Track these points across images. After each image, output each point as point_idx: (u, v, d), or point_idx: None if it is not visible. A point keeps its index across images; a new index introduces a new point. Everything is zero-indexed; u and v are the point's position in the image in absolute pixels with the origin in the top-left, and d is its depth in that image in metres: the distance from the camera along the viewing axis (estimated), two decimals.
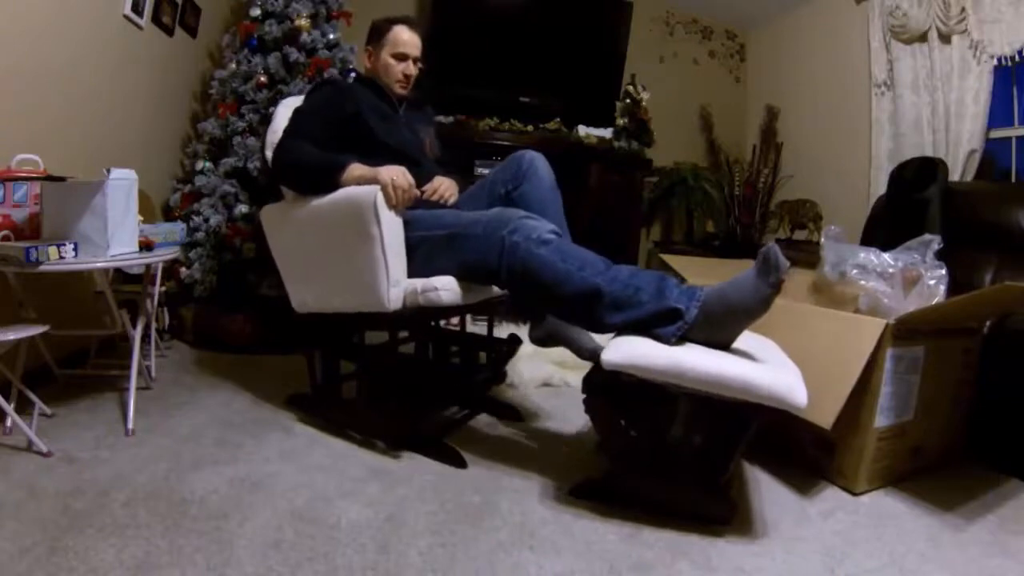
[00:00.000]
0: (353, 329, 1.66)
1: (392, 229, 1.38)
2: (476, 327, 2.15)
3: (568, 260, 1.25)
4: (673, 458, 1.22)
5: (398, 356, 1.73)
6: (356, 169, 1.44)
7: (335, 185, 1.44)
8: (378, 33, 1.74)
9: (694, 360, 1.09)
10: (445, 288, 1.37)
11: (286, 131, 1.58)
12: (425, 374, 1.67)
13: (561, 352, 1.63)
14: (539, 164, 1.58)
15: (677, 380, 1.10)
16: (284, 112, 1.70)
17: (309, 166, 1.50)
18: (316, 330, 1.67)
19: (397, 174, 1.39)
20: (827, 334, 1.42)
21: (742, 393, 1.07)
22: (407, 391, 1.60)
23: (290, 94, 2.38)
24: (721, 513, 1.19)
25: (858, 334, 1.34)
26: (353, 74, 1.93)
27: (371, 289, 1.39)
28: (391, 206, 1.37)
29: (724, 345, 1.18)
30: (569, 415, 1.75)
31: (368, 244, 1.37)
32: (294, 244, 1.62)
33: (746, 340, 1.30)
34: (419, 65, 1.77)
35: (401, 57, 1.72)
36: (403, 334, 1.86)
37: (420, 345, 1.97)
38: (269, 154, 1.62)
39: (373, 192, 1.35)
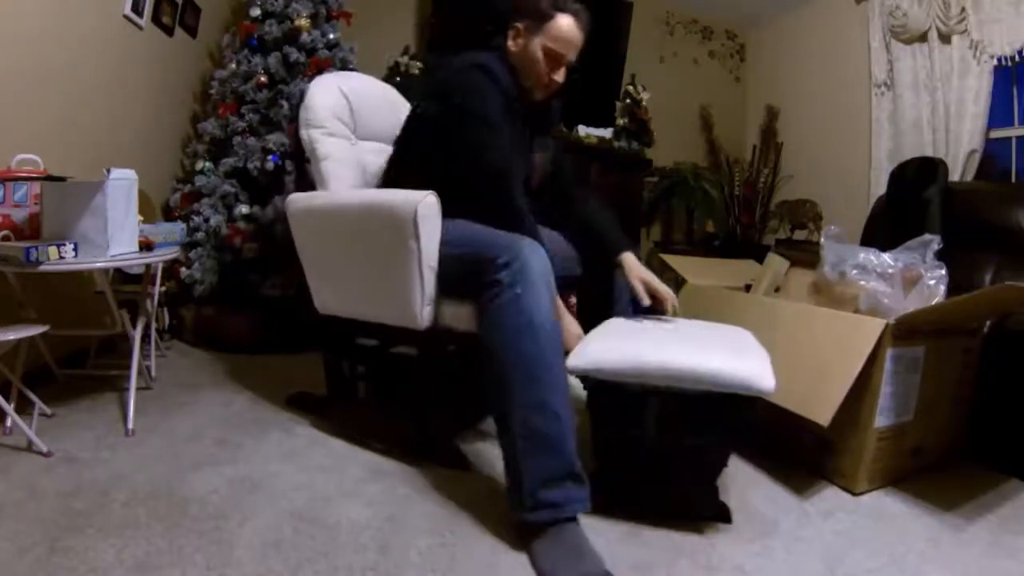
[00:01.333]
0: (368, 334, 1.60)
1: (431, 244, 1.29)
2: None
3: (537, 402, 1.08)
4: (669, 458, 1.22)
5: (402, 357, 1.72)
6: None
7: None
8: (538, 13, 1.39)
9: (657, 356, 1.09)
10: (464, 315, 1.30)
11: (495, 148, 1.30)
12: (428, 375, 1.66)
13: None
14: None
15: (639, 378, 1.10)
16: (322, 86, 1.60)
17: (517, 225, 1.26)
18: (331, 331, 1.62)
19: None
20: (827, 334, 1.42)
21: (710, 384, 1.07)
22: (410, 392, 1.60)
23: (290, 94, 2.38)
24: (716, 512, 1.19)
25: (858, 334, 1.34)
26: (494, 54, 1.45)
27: (404, 304, 1.32)
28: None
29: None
30: None
31: (405, 258, 1.28)
32: (321, 241, 1.53)
33: (718, 331, 1.31)
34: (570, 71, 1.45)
35: (555, 57, 1.39)
36: None
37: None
38: (304, 134, 1.54)
39: (414, 203, 1.25)
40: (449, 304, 1.33)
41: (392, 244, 1.30)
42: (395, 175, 1.50)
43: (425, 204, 1.26)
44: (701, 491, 1.20)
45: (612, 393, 1.16)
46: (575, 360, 1.14)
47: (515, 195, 1.32)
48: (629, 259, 1.46)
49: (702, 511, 1.19)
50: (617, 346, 1.15)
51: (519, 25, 1.41)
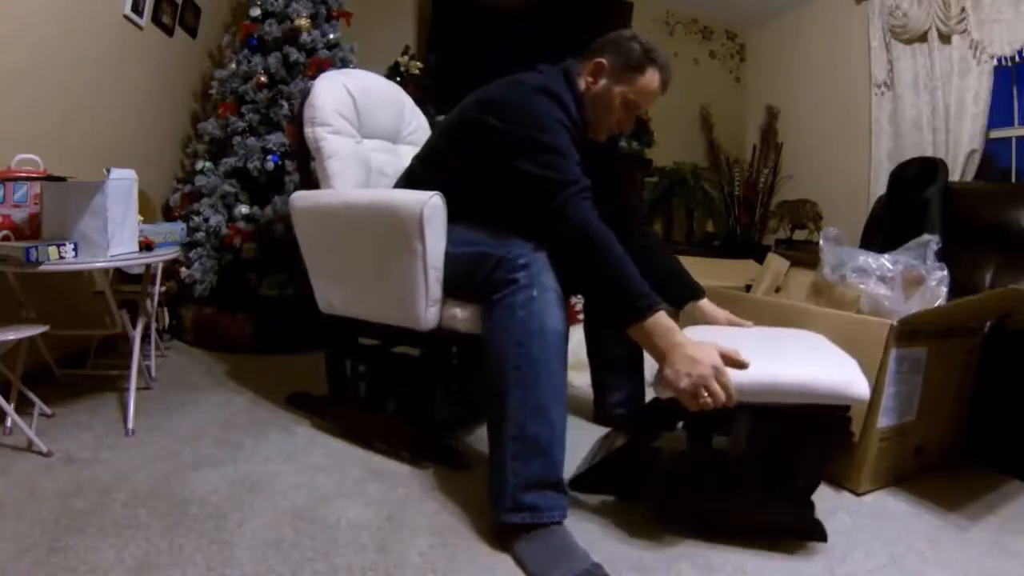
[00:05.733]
0: (369, 334, 1.59)
1: (436, 246, 1.27)
2: None
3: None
4: (759, 475, 1.15)
5: (403, 357, 1.72)
6: (661, 324, 1.07)
7: (627, 324, 1.10)
8: (627, 58, 1.30)
9: (743, 372, 1.04)
10: (468, 317, 1.28)
11: (567, 174, 1.15)
12: (429, 375, 1.66)
13: None
14: None
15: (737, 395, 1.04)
16: (327, 83, 1.58)
17: (609, 275, 1.10)
18: (333, 331, 1.61)
19: (715, 380, 1.00)
20: (832, 336, 1.41)
21: (800, 396, 1.02)
22: (411, 392, 1.60)
23: (290, 94, 2.38)
24: (811, 529, 1.12)
25: (864, 336, 1.33)
26: (562, 82, 1.32)
27: (408, 306, 1.31)
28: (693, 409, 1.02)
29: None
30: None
31: (409, 259, 1.27)
32: (325, 239, 1.51)
33: (793, 337, 1.28)
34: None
35: (633, 108, 1.33)
36: None
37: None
38: (309, 132, 1.52)
39: (420, 203, 1.23)
40: (453, 306, 1.31)
41: (396, 244, 1.28)
42: (425, 175, 1.43)
43: (430, 205, 1.24)
44: (794, 508, 1.13)
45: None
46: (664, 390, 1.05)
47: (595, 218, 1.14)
48: (709, 304, 1.46)
49: (795, 529, 1.14)
50: None
51: (603, 62, 1.31)
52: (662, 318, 1.08)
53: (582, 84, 1.33)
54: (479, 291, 1.20)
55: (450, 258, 1.27)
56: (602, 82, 1.31)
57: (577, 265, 1.13)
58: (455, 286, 1.29)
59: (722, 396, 0.99)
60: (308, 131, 1.53)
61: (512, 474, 1.07)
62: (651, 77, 1.30)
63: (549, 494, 1.07)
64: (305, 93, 1.59)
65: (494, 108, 1.27)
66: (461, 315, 1.29)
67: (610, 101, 1.31)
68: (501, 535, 1.09)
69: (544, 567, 1.00)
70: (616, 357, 1.65)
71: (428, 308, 1.29)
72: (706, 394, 0.99)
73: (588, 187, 1.17)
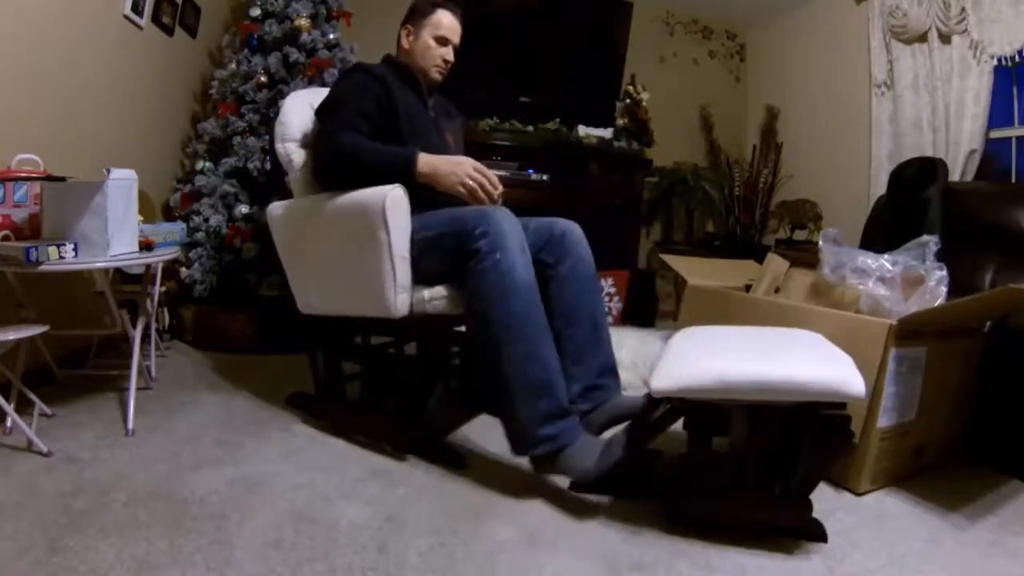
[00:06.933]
0: (357, 331, 1.64)
1: (401, 234, 1.35)
2: None
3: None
4: (757, 473, 1.16)
5: (398, 356, 1.72)
6: (427, 159, 1.39)
7: (411, 177, 1.39)
8: (420, 12, 1.67)
9: (738, 371, 1.05)
10: (439, 297, 1.38)
11: (331, 124, 1.50)
12: (425, 373, 1.66)
13: None
14: (577, 237, 1.54)
15: (725, 395, 1.06)
16: (294, 101, 1.68)
17: (375, 164, 1.41)
18: (319, 330, 1.66)
19: (473, 169, 1.37)
20: (831, 336, 1.41)
21: (796, 394, 1.03)
22: (407, 391, 1.60)
23: (290, 94, 2.38)
24: (809, 528, 1.12)
25: (864, 336, 1.33)
26: (381, 60, 1.73)
27: (378, 295, 1.37)
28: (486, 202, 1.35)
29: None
30: None
31: (376, 250, 1.34)
32: (300, 244, 1.60)
33: (790, 336, 1.28)
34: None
35: (442, 41, 1.66)
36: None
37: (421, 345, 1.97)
38: (280, 148, 1.61)
39: (382, 196, 1.32)
40: (422, 289, 1.39)
41: (364, 237, 1.36)
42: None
43: (392, 196, 1.33)
44: (794, 508, 1.14)
45: (700, 410, 1.15)
46: (660, 382, 1.08)
47: (351, 140, 1.45)
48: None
49: (793, 528, 1.14)
50: (701, 364, 1.08)
51: (409, 27, 1.68)
52: (426, 156, 1.39)
53: (404, 50, 1.68)
54: (451, 270, 1.34)
55: (414, 245, 1.39)
56: (411, 38, 1.67)
57: (359, 174, 1.40)
58: (430, 269, 1.39)
59: (484, 180, 1.38)
60: (279, 147, 1.62)
61: (525, 418, 1.22)
62: (441, 14, 1.65)
63: (559, 423, 1.22)
64: (267, 119, 1.65)
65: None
66: (429, 296, 1.38)
67: (424, 44, 1.65)
68: (536, 468, 1.28)
69: (582, 467, 1.18)
70: (569, 346, 1.57)
71: (397, 295, 1.37)
72: (471, 181, 1.36)
73: (346, 123, 1.47)
